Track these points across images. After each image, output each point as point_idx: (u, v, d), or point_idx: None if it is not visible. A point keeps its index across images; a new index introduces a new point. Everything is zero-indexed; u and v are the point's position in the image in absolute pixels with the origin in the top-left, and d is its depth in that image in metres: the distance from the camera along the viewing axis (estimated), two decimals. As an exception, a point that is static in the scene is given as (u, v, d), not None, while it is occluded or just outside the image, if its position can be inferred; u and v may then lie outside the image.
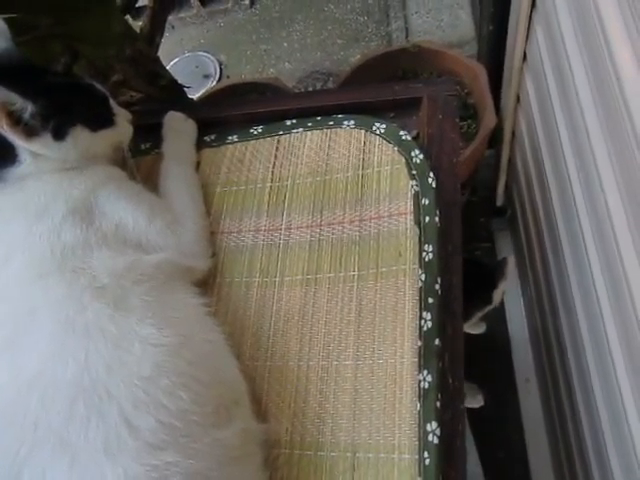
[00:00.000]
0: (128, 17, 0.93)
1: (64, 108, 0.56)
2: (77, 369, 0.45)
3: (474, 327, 1.18)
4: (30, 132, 0.53)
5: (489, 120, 1.13)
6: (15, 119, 0.52)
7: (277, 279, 0.63)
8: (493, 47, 1.16)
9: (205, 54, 2.16)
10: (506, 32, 1.03)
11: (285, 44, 2.09)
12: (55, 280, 0.51)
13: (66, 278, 0.50)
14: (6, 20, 0.58)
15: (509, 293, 1.32)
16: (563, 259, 0.87)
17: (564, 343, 0.91)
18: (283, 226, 0.66)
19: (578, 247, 0.77)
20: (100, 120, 0.60)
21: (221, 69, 2.10)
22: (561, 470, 1.03)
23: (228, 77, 2.08)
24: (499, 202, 1.38)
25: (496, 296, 1.02)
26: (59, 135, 0.55)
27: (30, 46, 0.67)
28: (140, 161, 0.73)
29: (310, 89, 1.91)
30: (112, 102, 0.62)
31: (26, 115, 0.52)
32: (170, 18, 2.00)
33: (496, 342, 1.24)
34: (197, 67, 2.12)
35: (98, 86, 0.61)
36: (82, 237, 0.53)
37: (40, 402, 0.43)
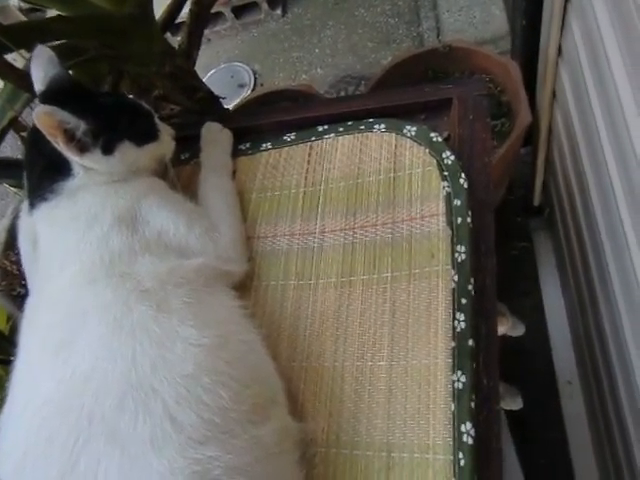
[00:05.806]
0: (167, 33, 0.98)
1: (112, 125, 0.59)
2: (125, 367, 0.48)
3: (512, 329, 1.15)
4: (82, 148, 0.57)
5: (524, 117, 1.11)
6: (69, 136, 0.55)
7: (312, 282, 0.64)
8: (527, 42, 1.13)
9: (240, 64, 2.21)
10: (540, 26, 1.01)
11: (317, 50, 2.12)
12: (104, 285, 0.53)
13: (113, 283, 0.53)
14: (59, 45, 0.63)
15: (549, 294, 1.28)
16: (604, 257, 0.84)
17: (607, 343, 0.88)
18: (317, 230, 0.67)
19: (619, 245, 0.75)
20: (145, 136, 0.63)
21: (255, 78, 2.15)
22: (608, 478, 0.99)
23: (262, 85, 2.12)
24: (536, 201, 1.35)
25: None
26: (108, 150, 0.58)
27: (80, 68, 0.72)
28: (180, 170, 0.75)
29: (342, 93, 1.93)
30: (156, 118, 0.66)
31: (79, 133, 0.56)
32: (206, 32, 2.07)
33: (536, 344, 1.21)
34: (232, 77, 2.18)
35: (144, 104, 0.65)
36: (128, 244, 0.56)
37: (94, 397, 0.46)
